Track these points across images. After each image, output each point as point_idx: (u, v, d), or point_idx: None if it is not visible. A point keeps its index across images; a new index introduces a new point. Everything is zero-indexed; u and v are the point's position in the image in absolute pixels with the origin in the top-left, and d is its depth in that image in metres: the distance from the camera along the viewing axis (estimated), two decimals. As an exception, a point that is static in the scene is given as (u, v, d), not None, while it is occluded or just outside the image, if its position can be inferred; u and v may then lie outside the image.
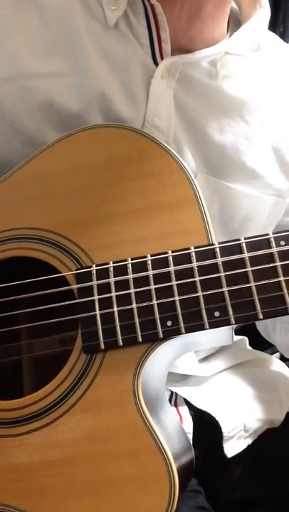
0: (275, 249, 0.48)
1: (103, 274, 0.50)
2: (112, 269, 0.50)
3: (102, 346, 0.49)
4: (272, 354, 0.82)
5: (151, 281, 0.49)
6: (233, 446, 0.64)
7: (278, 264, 0.48)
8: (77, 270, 0.51)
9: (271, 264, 0.48)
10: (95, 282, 0.50)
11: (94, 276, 0.51)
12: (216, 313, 0.48)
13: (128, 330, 0.49)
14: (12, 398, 0.51)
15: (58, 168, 0.55)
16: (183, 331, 0.48)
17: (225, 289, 0.48)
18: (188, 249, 0.49)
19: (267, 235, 0.49)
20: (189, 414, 0.66)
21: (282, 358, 0.81)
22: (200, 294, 0.48)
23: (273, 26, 0.98)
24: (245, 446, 0.65)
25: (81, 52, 0.59)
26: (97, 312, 0.49)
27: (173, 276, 0.49)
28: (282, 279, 0.47)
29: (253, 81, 0.65)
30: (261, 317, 0.47)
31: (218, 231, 0.63)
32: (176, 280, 0.49)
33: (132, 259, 0.50)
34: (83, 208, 0.54)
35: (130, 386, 0.48)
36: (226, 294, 0.48)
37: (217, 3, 0.60)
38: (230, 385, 0.70)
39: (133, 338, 0.48)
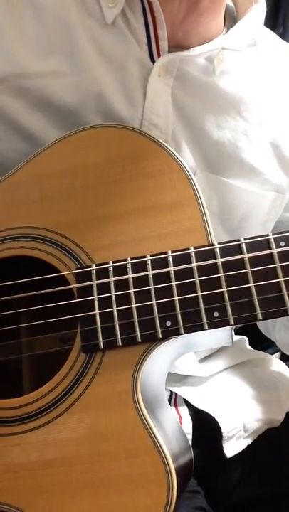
0: (274, 250, 0.48)
1: (103, 273, 0.50)
2: (111, 268, 0.50)
3: (102, 346, 0.49)
4: (272, 354, 0.82)
5: (151, 281, 0.49)
6: (232, 447, 0.64)
7: (278, 265, 0.48)
8: (77, 269, 0.51)
9: (271, 265, 0.48)
10: (94, 282, 0.50)
11: (94, 276, 0.51)
12: (215, 314, 0.48)
13: (127, 329, 0.49)
14: (12, 397, 0.51)
15: (58, 168, 0.55)
16: (182, 331, 0.48)
17: (224, 289, 0.48)
18: (188, 249, 0.49)
19: (267, 235, 0.49)
20: (189, 414, 0.66)
21: (282, 358, 0.81)
22: (199, 294, 0.48)
23: (273, 26, 0.98)
24: (245, 446, 0.65)
25: (78, 51, 0.59)
26: (97, 311, 0.49)
27: (172, 276, 0.49)
28: (281, 279, 0.47)
29: (250, 77, 0.65)
30: (261, 318, 0.47)
31: (219, 228, 0.63)
32: (176, 280, 0.49)
33: (131, 259, 0.50)
34: (83, 207, 0.54)
35: (129, 386, 0.48)
36: (226, 295, 0.48)
37: None
38: (229, 385, 0.70)
39: (132, 337, 0.48)
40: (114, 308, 0.49)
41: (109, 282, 0.50)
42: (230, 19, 0.65)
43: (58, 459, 0.48)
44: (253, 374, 0.72)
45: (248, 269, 0.48)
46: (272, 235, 0.48)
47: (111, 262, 0.51)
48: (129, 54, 0.60)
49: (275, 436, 0.67)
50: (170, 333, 0.48)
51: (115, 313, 0.49)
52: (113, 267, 0.50)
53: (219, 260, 0.49)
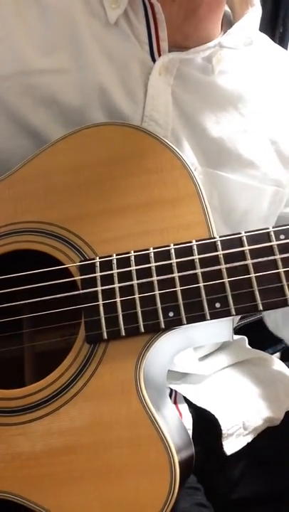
0: (275, 243, 0.49)
1: (106, 266, 0.51)
2: (115, 261, 0.51)
3: (105, 336, 0.50)
4: (272, 354, 0.83)
5: (154, 273, 0.50)
6: (232, 444, 0.65)
7: (278, 257, 0.49)
8: (80, 262, 0.52)
9: (271, 257, 0.49)
10: (98, 274, 0.51)
11: (97, 268, 0.52)
12: (217, 304, 0.49)
13: (130, 320, 0.49)
14: (14, 388, 0.51)
15: (63, 165, 0.57)
16: (184, 321, 0.49)
17: (226, 279, 0.49)
18: (190, 242, 0.51)
19: (267, 228, 0.50)
20: (189, 411, 0.67)
21: (282, 358, 0.82)
22: (201, 284, 0.49)
23: (273, 26, 1.00)
24: (245, 443, 0.65)
25: (82, 49, 0.61)
26: (100, 302, 0.50)
27: (175, 268, 0.50)
28: (281, 270, 0.48)
29: (248, 75, 0.67)
30: (261, 308, 0.48)
31: (220, 223, 0.64)
32: (178, 272, 0.50)
33: (134, 252, 0.51)
34: (87, 202, 0.55)
35: (132, 376, 0.48)
36: (227, 285, 0.49)
37: (212, 3, 0.62)
38: (229, 383, 0.70)
39: (135, 327, 0.49)
40: (118, 299, 0.50)
41: (112, 274, 0.51)
42: (227, 23, 0.68)
43: (62, 447, 0.48)
44: (252, 373, 0.72)
45: (249, 261, 0.49)
46: (273, 228, 0.50)
47: (114, 254, 0.52)
48: (131, 53, 0.62)
49: (275, 434, 0.67)
50: (173, 324, 0.49)
51: (118, 304, 0.50)
52: (116, 259, 0.51)
53: (221, 252, 0.50)
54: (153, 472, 0.46)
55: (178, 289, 0.50)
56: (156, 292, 0.50)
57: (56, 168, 0.57)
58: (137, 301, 0.50)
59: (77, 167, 0.56)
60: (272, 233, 0.50)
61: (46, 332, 0.58)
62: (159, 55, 0.62)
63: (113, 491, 0.46)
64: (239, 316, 0.78)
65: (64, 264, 0.53)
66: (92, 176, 0.55)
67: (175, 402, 0.68)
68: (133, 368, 0.49)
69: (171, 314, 0.49)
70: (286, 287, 0.48)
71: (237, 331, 0.79)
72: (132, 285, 0.50)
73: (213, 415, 0.64)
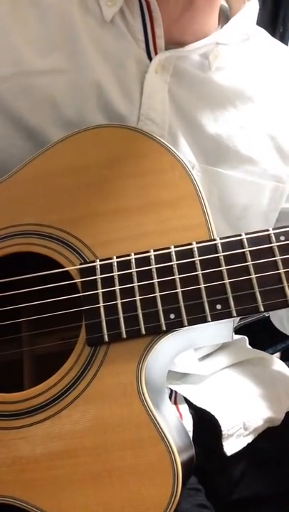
0: (275, 244, 0.49)
1: (107, 268, 0.51)
2: (115, 263, 0.51)
3: (106, 338, 0.50)
4: (272, 354, 0.83)
5: (155, 275, 0.50)
6: (232, 445, 0.65)
7: (278, 258, 0.49)
8: (81, 265, 0.52)
9: (271, 258, 0.49)
10: (99, 276, 0.51)
11: (98, 271, 0.51)
12: (218, 306, 0.49)
13: (131, 322, 0.49)
14: (13, 391, 0.51)
15: (62, 167, 0.56)
16: (186, 323, 0.49)
17: (226, 281, 0.49)
18: (191, 244, 0.51)
19: (267, 230, 0.50)
20: (189, 412, 0.67)
21: (283, 358, 0.82)
22: (202, 286, 0.49)
23: (273, 26, 1.01)
24: (245, 444, 0.66)
25: (79, 48, 0.60)
26: (101, 304, 0.50)
27: (176, 270, 0.50)
28: (282, 271, 0.48)
29: (245, 71, 0.67)
30: (262, 309, 0.48)
31: (220, 220, 0.64)
32: (179, 274, 0.50)
33: (135, 254, 0.51)
34: (87, 204, 0.55)
35: (134, 378, 0.48)
36: (228, 287, 0.49)
37: None
38: (230, 383, 0.70)
39: (136, 330, 0.49)
40: (119, 301, 0.50)
41: (113, 276, 0.51)
42: (224, 18, 0.68)
43: (64, 451, 0.48)
44: (252, 373, 0.72)
45: (250, 262, 0.49)
46: (273, 230, 0.50)
47: (115, 257, 0.52)
48: (127, 51, 0.62)
49: (276, 435, 0.67)
50: (174, 326, 0.49)
51: (119, 306, 0.50)
52: (117, 261, 0.51)
53: (221, 254, 0.50)
54: (155, 474, 0.46)
55: (179, 290, 0.50)
56: (157, 294, 0.50)
57: (56, 171, 0.56)
58: (138, 304, 0.50)
59: (77, 169, 0.56)
60: (272, 235, 0.50)
61: (47, 335, 0.58)
62: (156, 52, 0.61)
63: (115, 494, 0.46)
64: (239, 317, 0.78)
65: (64, 267, 0.53)
66: (91, 178, 0.55)
67: (175, 403, 0.68)
68: (134, 370, 0.49)
69: (172, 316, 0.49)
70: (287, 288, 0.48)
71: (237, 330, 0.79)
72: (132, 287, 0.50)
73: (214, 416, 0.64)
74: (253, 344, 0.76)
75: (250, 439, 0.66)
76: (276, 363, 0.76)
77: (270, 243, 0.49)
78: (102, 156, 0.56)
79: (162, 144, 0.55)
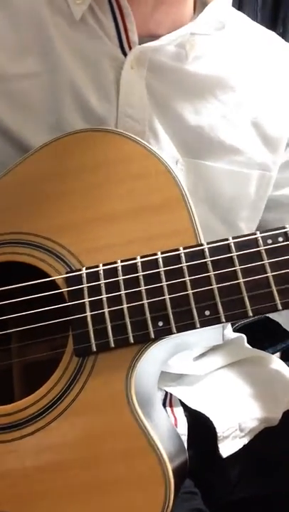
0: (262, 248, 0.49)
1: (93, 276, 0.51)
2: (102, 271, 0.51)
3: (94, 348, 0.49)
4: (272, 354, 0.82)
5: (142, 283, 0.49)
6: (228, 446, 0.64)
7: (266, 262, 0.48)
8: (66, 274, 0.52)
9: (259, 262, 0.48)
10: (85, 285, 0.50)
11: (84, 279, 0.51)
12: (207, 312, 0.48)
13: (119, 331, 0.49)
14: (2, 404, 0.51)
15: (46, 173, 0.56)
16: (174, 330, 0.48)
17: (214, 286, 0.48)
18: (178, 250, 0.50)
19: (254, 234, 0.49)
20: (184, 415, 0.66)
21: (283, 358, 0.81)
22: (190, 292, 0.48)
23: (273, 26, 0.99)
24: (241, 445, 0.65)
25: (51, 50, 0.59)
26: (88, 313, 0.50)
27: (163, 276, 0.49)
28: (270, 275, 0.47)
29: (224, 59, 0.65)
30: (251, 314, 0.48)
31: (208, 213, 0.63)
32: (167, 281, 0.49)
33: (121, 261, 0.50)
34: (71, 211, 0.54)
35: (123, 388, 0.48)
36: (216, 292, 0.48)
37: None
38: (226, 384, 0.70)
39: (125, 339, 0.49)
40: (106, 310, 0.49)
41: (99, 285, 0.50)
42: (201, 5, 0.66)
43: (53, 463, 0.47)
44: (250, 372, 0.72)
45: (237, 267, 0.48)
46: (260, 233, 0.49)
47: (101, 264, 0.51)
48: (101, 49, 0.60)
49: (273, 435, 0.67)
50: (162, 333, 0.48)
51: (107, 315, 0.49)
52: (103, 269, 0.51)
53: (209, 259, 0.49)
54: (147, 484, 0.45)
55: (166, 297, 0.49)
56: (145, 302, 0.49)
57: (39, 177, 0.55)
58: (126, 312, 0.49)
59: (60, 175, 0.55)
60: (259, 238, 0.49)
61: (36, 345, 0.57)
62: (130, 48, 0.60)
63: (107, 506, 0.45)
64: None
65: (50, 276, 0.52)
66: (75, 184, 0.54)
67: (170, 405, 0.67)
68: (123, 379, 0.48)
69: (160, 324, 0.49)
70: (275, 292, 0.47)
71: (237, 330, 0.78)
72: (119, 295, 0.50)
73: (209, 418, 0.64)
74: (253, 344, 0.76)
75: (246, 440, 0.66)
76: (274, 361, 0.75)
77: (258, 247, 0.49)
78: (86, 161, 0.55)
79: (146, 147, 0.54)
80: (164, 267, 0.49)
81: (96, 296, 0.50)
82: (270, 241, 0.49)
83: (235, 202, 0.65)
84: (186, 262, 0.49)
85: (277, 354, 0.85)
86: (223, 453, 0.64)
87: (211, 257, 0.49)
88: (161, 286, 0.49)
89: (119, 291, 0.50)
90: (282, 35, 0.75)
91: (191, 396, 0.66)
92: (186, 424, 0.66)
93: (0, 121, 0.60)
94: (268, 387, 0.70)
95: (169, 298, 0.49)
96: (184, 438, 0.64)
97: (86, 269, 0.51)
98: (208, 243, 0.50)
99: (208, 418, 0.64)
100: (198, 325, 0.48)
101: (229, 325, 0.78)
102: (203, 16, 0.63)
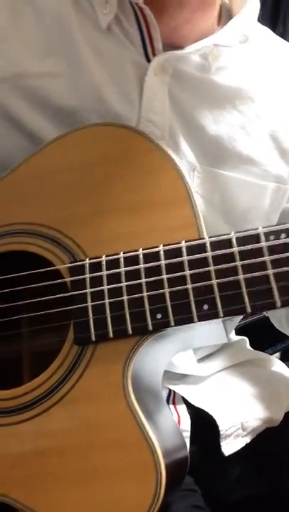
0: (264, 244, 0.48)
1: (96, 267, 0.51)
2: (104, 262, 0.51)
3: (93, 338, 0.50)
4: (272, 354, 0.82)
5: (142, 275, 0.50)
6: (230, 445, 0.64)
7: (267, 258, 0.48)
8: (70, 263, 0.52)
9: (260, 258, 0.48)
10: (87, 275, 0.51)
11: (87, 270, 0.52)
12: (205, 306, 0.48)
13: (118, 322, 0.49)
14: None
15: (56, 166, 0.57)
16: (172, 323, 0.48)
17: (214, 281, 0.48)
18: (180, 243, 0.50)
19: (256, 229, 0.49)
20: (187, 412, 0.67)
21: (282, 359, 0.81)
22: (189, 286, 0.48)
23: (273, 26, 0.99)
24: (243, 444, 0.65)
25: (76, 52, 0.61)
26: (89, 303, 0.50)
27: (164, 269, 0.50)
28: (270, 272, 0.47)
29: (246, 71, 0.66)
30: (249, 310, 0.47)
31: (222, 222, 0.64)
32: (167, 273, 0.49)
33: (124, 253, 0.51)
34: (79, 204, 0.55)
35: (120, 378, 0.48)
36: (215, 287, 0.48)
37: None
38: (228, 384, 0.70)
39: (123, 330, 0.49)
40: (106, 301, 0.50)
41: (101, 276, 0.51)
42: (226, 15, 0.67)
43: (50, 448, 0.48)
44: (252, 373, 0.72)
45: (238, 262, 0.48)
46: (262, 228, 0.49)
47: (104, 256, 0.51)
48: (125, 55, 0.62)
49: (274, 435, 0.67)
50: (160, 326, 0.49)
51: (107, 306, 0.50)
52: (106, 260, 0.51)
53: (209, 254, 0.49)
54: (138, 475, 0.46)
55: (166, 290, 0.49)
56: (145, 294, 0.49)
57: (50, 170, 0.57)
58: (126, 303, 0.50)
59: (70, 168, 0.56)
60: (261, 234, 0.49)
61: (43, 332, 0.58)
62: (154, 54, 0.61)
63: (100, 494, 0.46)
64: (240, 317, 0.78)
65: (55, 266, 0.53)
66: (84, 178, 0.55)
67: (173, 403, 0.67)
68: (121, 370, 0.48)
69: (159, 316, 0.49)
70: (275, 289, 0.47)
71: (237, 331, 0.78)
72: (120, 287, 0.50)
73: (212, 416, 0.64)
74: (253, 344, 0.75)
75: (248, 439, 0.66)
76: (276, 363, 0.75)
77: (260, 242, 0.48)
78: (96, 155, 0.56)
79: (155, 143, 0.55)
80: (165, 259, 0.50)
81: (98, 286, 0.51)
82: (272, 237, 0.48)
83: (248, 213, 0.66)
84: (188, 256, 0.49)
85: (277, 354, 0.84)
86: (225, 451, 0.64)
87: (212, 252, 0.49)
88: (162, 279, 0.49)
89: (121, 282, 0.50)
90: (282, 35, 0.75)
91: (195, 394, 0.67)
92: (190, 422, 0.66)
93: (17, 116, 0.61)
94: (270, 388, 0.70)
95: (169, 291, 0.49)
96: (187, 435, 0.64)
97: (89, 259, 0.52)
98: (210, 237, 0.50)
99: (212, 416, 0.64)
100: (196, 319, 0.48)
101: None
102: (227, 29, 0.63)
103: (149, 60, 0.61)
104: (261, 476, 0.65)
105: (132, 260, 0.51)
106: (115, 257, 0.51)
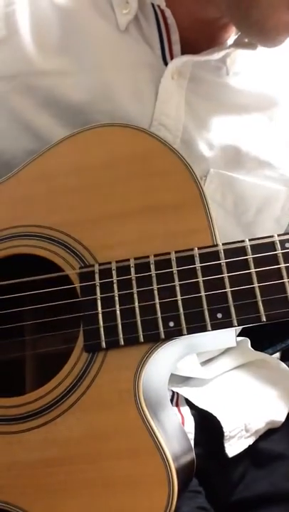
0: (280, 252, 0.48)
1: (106, 273, 0.50)
2: (114, 268, 0.50)
3: (104, 345, 0.49)
4: (272, 354, 0.81)
5: (154, 281, 0.49)
6: (234, 446, 0.64)
7: (283, 265, 0.47)
8: (80, 269, 0.51)
9: (275, 266, 0.47)
10: (97, 281, 0.50)
11: (97, 276, 0.50)
12: (219, 315, 0.47)
13: (130, 329, 0.48)
14: (14, 396, 0.51)
15: (63, 167, 0.55)
16: (185, 331, 0.48)
17: (228, 289, 0.47)
18: (192, 249, 0.49)
19: (272, 237, 0.48)
20: (191, 414, 0.66)
21: (282, 358, 0.81)
22: (202, 294, 0.48)
23: None
24: (246, 446, 0.65)
25: (89, 51, 0.59)
26: (100, 310, 0.49)
27: (176, 276, 0.49)
28: (286, 280, 0.47)
29: (263, 76, 0.65)
30: (264, 319, 0.47)
31: (233, 224, 0.64)
32: (179, 280, 0.49)
33: (134, 259, 0.50)
34: (88, 206, 0.54)
35: (131, 386, 0.48)
36: (229, 295, 0.47)
37: None
38: (232, 386, 0.70)
39: (134, 337, 0.48)
40: (117, 308, 0.49)
41: (112, 282, 0.50)
42: None
43: (58, 458, 0.48)
44: (255, 375, 0.72)
45: (252, 270, 0.47)
46: (278, 236, 0.48)
47: (114, 261, 0.50)
48: (142, 57, 0.60)
49: (277, 436, 0.67)
50: (173, 334, 0.48)
51: (118, 313, 0.49)
52: (116, 266, 0.50)
53: (223, 261, 0.48)
54: (150, 484, 0.45)
55: (179, 298, 0.48)
56: (157, 301, 0.49)
57: (57, 171, 0.55)
58: (137, 310, 0.49)
59: (79, 169, 0.54)
60: (277, 241, 0.48)
61: (49, 338, 0.57)
62: (171, 58, 0.60)
63: (109, 503, 0.46)
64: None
65: (64, 270, 0.52)
66: (93, 179, 0.54)
67: (177, 405, 0.67)
68: (132, 378, 0.48)
69: (171, 324, 0.48)
70: (290, 298, 0.46)
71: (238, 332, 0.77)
72: (131, 293, 0.49)
73: (216, 417, 0.64)
74: (253, 344, 0.75)
75: (251, 440, 0.66)
76: (279, 365, 0.75)
77: (275, 250, 0.48)
78: (105, 156, 0.54)
79: (166, 145, 0.53)
80: (177, 266, 0.49)
81: (108, 293, 0.50)
82: (288, 245, 0.48)
83: (260, 216, 0.65)
84: (200, 263, 0.49)
85: (277, 354, 0.84)
86: (229, 453, 0.64)
87: (225, 259, 0.48)
88: (174, 286, 0.49)
89: (132, 289, 0.49)
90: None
91: (199, 396, 0.66)
92: (193, 423, 0.66)
93: (24, 116, 0.59)
94: (273, 390, 0.70)
95: (181, 299, 0.48)
96: (191, 436, 0.64)
97: (99, 265, 0.51)
98: (223, 244, 0.49)
99: (215, 418, 0.64)
100: (209, 327, 0.47)
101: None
102: None
103: (166, 63, 0.60)
104: (264, 476, 0.65)
105: (143, 266, 0.50)
106: (125, 263, 0.50)
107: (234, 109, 0.63)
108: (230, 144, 0.63)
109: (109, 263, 0.50)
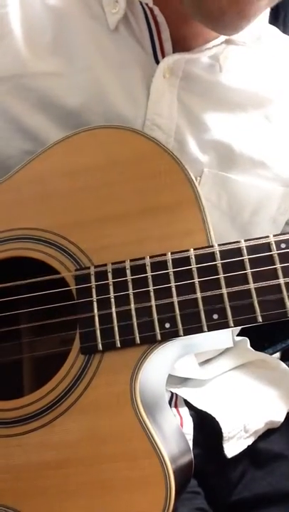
0: (275, 252, 0.48)
1: (102, 275, 0.50)
2: (110, 270, 0.50)
3: (100, 347, 0.49)
4: (272, 354, 0.81)
5: (150, 283, 0.49)
6: (233, 447, 0.64)
7: (278, 266, 0.47)
8: (76, 271, 0.51)
9: (271, 267, 0.47)
10: (93, 283, 0.50)
11: (92, 278, 0.50)
12: (215, 316, 0.47)
13: (126, 331, 0.48)
14: (11, 398, 0.51)
15: (58, 170, 0.55)
16: (181, 333, 0.48)
17: (224, 290, 0.47)
18: (188, 251, 0.49)
19: (267, 237, 0.48)
20: (190, 414, 0.66)
21: (282, 358, 0.81)
22: (198, 295, 0.48)
23: (273, 25, 0.97)
24: (246, 446, 0.65)
25: (81, 52, 0.59)
26: (96, 313, 0.49)
27: (172, 277, 0.49)
28: (282, 281, 0.46)
29: (256, 73, 0.64)
30: (260, 320, 0.47)
31: (228, 225, 0.63)
32: (175, 282, 0.48)
33: (130, 261, 0.50)
34: (83, 208, 0.53)
35: (128, 388, 0.48)
36: (225, 296, 0.47)
37: None
38: (230, 386, 0.70)
39: (131, 339, 0.48)
40: (113, 310, 0.49)
41: (108, 284, 0.50)
42: None
43: (56, 460, 0.47)
44: (254, 375, 0.72)
45: (248, 271, 0.47)
46: (273, 237, 0.48)
47: (110, 263, 0.50)
48: (133, 57, 0.60)
49: (276, 436, 0.67)
50: (169, 335, 0.48)
51: (114, 315, 0.49)
52: (112, 268, 0.50)
53: (219, 262, 0.48)
54: (147, 486, 0.45)
55: (175, 299, 0.48)
56: (153, 303, 0.48)
57: (52, 173, 0.55)
58: (133, 312, 0.49)
59: (74, 172, 0.54)
60: (272, 242, 0.48)
61: (46, 339, 0.57)
62: (163, 56, 0.59)
63: (107, 506, 0.45)
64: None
65: (60, 273, 0.52)
66: (88, 181, 0.54)
67: (176, 406, 0.67)
68: (128, 380, 0.48)
69: (167, 325, 0.48)
70: (286, 299, 0.46)
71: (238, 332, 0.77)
72: (127, 295, 0.49)
73: (214, 418, 0.64)
74: (253, 344, 0.75)
75: (250, 441, 0.66)
76: (278, 365, 0.75)
77: (270, 251, 0.48)
78: (100, 158, 0.54)
79: (161, 146, 0.53)
80: (173, 268, 0.49)
81: (104, 295, 0.50)
82: (283, 245, 0.48)
83: (255, 217, 0.65)
84: (196, 264, 0.48)
85: (277, 354, 0.84)
86: (228, 453, 0.64)
87: (221, 260, 0.48)
88: (170, 287, 0.49)
89: (127, 291, 0.49)
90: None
91: (197, 397, 0.66)
92: (192, 424, 0.66)
93: (18, 117, 0.59)
94: (272, 390, 0.70)
95: (177, 300, 0.48)
96: (190, 437, 0.64)
97: (95, 267, 0.51)
98: (219, 245, 0.49)
99: (214, 418, 0.64)
100: (205, 328, 0.47)
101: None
102: None
103: (157, 61, 0.59)
104: (263, 477, 0.65)
105: (138, 268, 0.50)
106: (121, 265, 0.50)
107: (228, 106, 0.63)
108: (224, 142, 0.62)
109: (105, 265, 0.50)
